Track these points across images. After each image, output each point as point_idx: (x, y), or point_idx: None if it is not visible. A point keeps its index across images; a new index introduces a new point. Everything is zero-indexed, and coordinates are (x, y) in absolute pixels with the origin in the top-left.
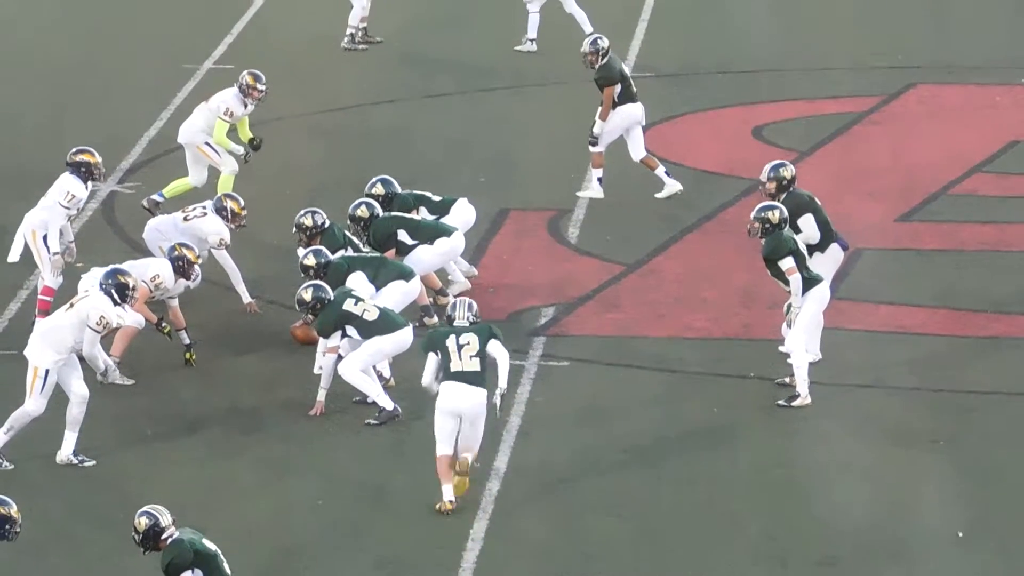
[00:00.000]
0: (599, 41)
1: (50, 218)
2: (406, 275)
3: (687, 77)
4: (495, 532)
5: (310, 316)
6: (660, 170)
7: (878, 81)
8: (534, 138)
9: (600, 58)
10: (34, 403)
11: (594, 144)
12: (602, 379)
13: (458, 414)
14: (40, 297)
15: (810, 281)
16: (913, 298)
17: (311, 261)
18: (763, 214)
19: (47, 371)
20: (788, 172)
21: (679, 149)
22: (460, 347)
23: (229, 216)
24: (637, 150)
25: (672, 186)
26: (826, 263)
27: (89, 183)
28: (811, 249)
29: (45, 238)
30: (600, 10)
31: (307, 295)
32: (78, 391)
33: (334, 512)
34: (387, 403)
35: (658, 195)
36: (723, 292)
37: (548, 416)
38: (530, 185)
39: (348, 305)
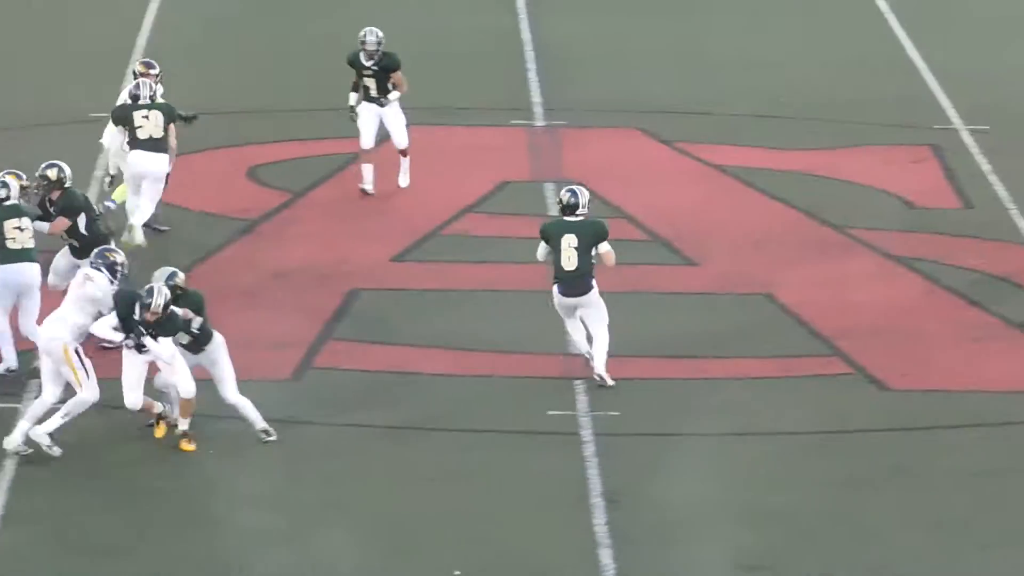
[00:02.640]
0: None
1: None
2: None
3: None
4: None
5: None
6: None
7: None
8: None
9: None
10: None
11: None
12: (100, 421)
13: None
14: None
15: None
16: (412, 338)
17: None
18: None
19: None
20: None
21: (179, 191)
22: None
23: None
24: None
25: None
26: None
27: None
28: None
29: None
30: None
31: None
32: None
33: None
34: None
35: None
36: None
37: (44, 459)
38: None
39: (10, 217)
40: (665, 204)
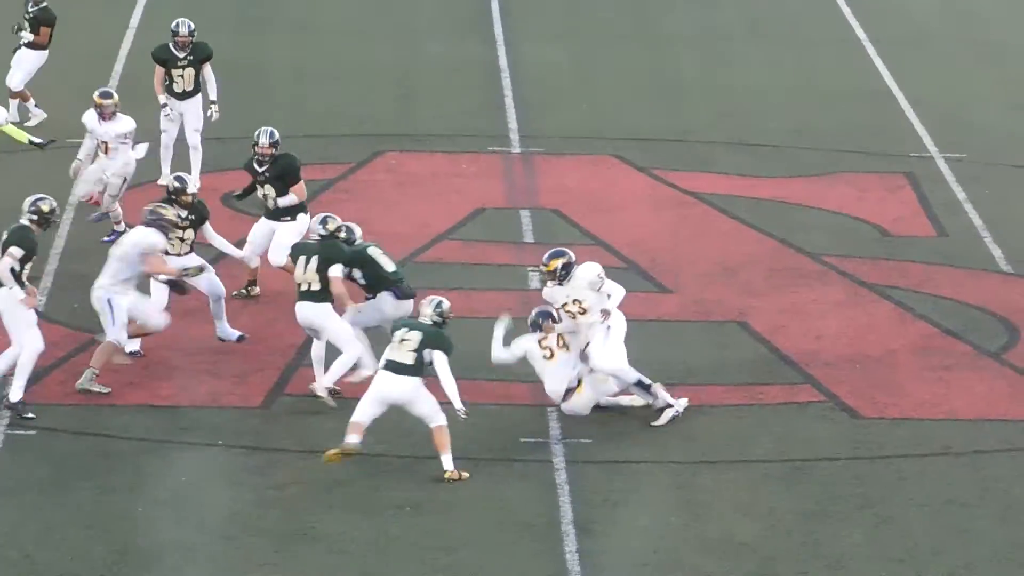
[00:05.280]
0: None
1: None
2: None
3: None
4: None
5: None
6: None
7: (345, 149)
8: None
9: None
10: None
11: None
12: (69, 448)
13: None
14: None
15: None
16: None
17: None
18: None
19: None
20: None
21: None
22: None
23: None
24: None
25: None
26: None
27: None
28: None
29: None
30: (67, 78)
31: None
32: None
33: None
34: None
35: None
36: (190, 360)
37: (14, 487)
38: None
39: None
40: (640, 231)
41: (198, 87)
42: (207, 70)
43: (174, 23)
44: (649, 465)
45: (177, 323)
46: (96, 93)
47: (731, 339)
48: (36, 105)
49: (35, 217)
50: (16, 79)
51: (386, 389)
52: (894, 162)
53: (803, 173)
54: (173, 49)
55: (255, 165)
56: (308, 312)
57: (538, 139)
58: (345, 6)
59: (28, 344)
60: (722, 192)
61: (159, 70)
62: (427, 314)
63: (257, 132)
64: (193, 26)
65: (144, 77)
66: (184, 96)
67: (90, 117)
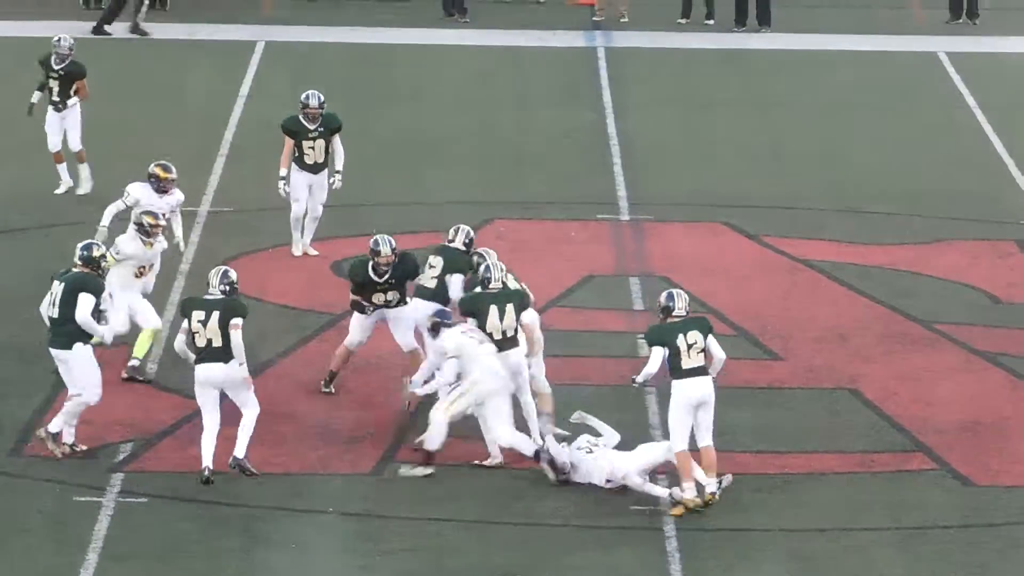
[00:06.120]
0: None
1: None
2: None
3: (267, 212)
4: None
5: None
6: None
7: (455, 216)
8: None
9: None
10: None
11: None
12: (181, 515)
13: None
14: None
15: None
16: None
17: None
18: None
19: None
20: None
21: (258, 284)
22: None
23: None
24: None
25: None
26: None
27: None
28: None
29: None
30: (178, 145)
31: None
32: None
33: None
34: None
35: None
36: (300, 427)
37: (126, 554)
38: None
39: None
40: (750, 298)
41: (327, 159)
42: (336, 141)
43: (304, 95)
44: (760, 532)
45: (287, 391)
46: (158, 165)
47: (842, 406)
48: (67, 170)
49: (227, 288)
50: (75, 139)
51: (701, 392)
52: (1005, 229)
53: (913, 240)
54: (304, 121)
55: (373, 275)
56: (518, 359)
57: (647, 206)
58: (454, 74)
59: (252, 408)
60: (832, 259)
61: (288, 142)
62: (683, 306)
63: (375, 240)
64: (323, 98)
65: (254, 145)
66: (315, 168)
67: (142, 191)
